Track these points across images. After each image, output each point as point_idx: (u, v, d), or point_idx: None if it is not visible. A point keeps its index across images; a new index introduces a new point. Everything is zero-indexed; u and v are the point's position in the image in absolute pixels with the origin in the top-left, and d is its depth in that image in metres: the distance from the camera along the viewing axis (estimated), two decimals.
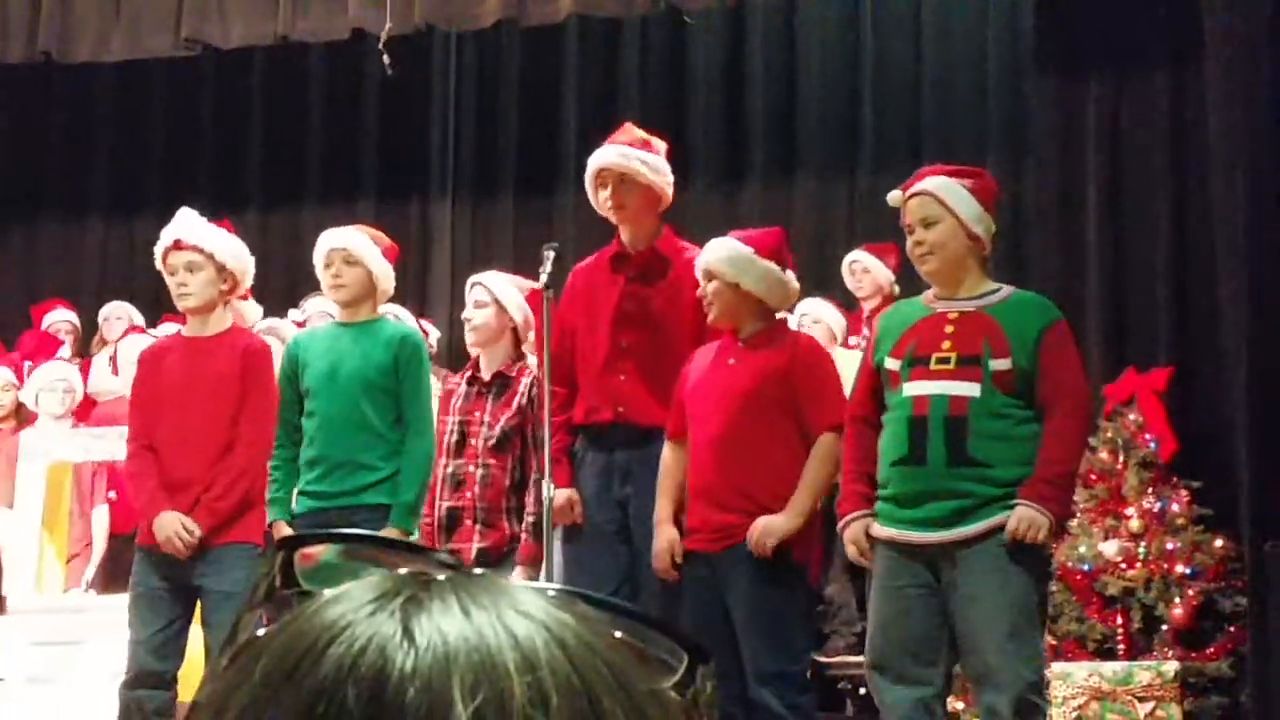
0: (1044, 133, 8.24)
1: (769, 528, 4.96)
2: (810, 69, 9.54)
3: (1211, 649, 6.64)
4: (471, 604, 0.64)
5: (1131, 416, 7.08)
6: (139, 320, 8.88)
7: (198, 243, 5.55)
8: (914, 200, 4.82)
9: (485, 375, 5.97)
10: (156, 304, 8.25)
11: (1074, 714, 6.40)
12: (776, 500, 5.01)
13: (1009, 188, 8.69)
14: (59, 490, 7.64)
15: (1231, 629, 6.66)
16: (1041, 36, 8.29)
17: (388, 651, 0.62)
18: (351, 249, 5.65)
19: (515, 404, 5.85)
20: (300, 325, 7.58)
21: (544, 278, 5.46)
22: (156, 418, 5.53)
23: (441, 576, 0.66)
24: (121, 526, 7.56)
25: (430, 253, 10.03)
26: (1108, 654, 6.67)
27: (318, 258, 5.72)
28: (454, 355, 8.26)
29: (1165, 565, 6.73)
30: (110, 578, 7.41)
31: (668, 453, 5.25)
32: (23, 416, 8.11)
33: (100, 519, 7.78)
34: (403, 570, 0.68)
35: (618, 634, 0.69)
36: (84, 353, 9.06)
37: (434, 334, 8.35)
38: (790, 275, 5.38)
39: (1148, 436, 7.02)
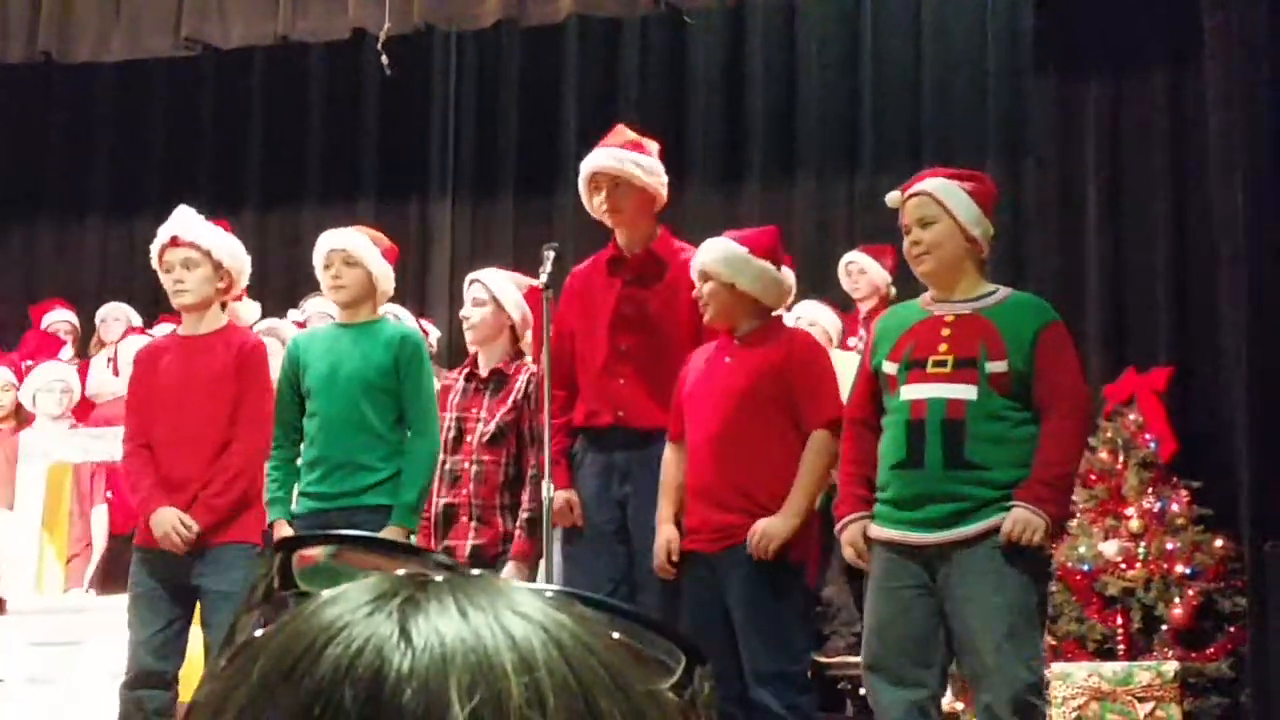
0: (1043, 132, 8.24)
1: (768, 531, 4.96)
2: (810, 69, 9.54)
3: (1211, 649, 6.64)
4: (469, 605, 0.64)
5: (1131, 416, 7.09)
6: (136, 321, 8.88)
7: (195, 240, 5.55)
8: (912, 200, 4.82)
9: (483, 372, 5.97)
10: (155, 304, 8.24)
11: (1074, 714, 6.40)
12: (775, 499, 5.01)
13: (1008, 188, 8.70)
14: (59, 491, 7.65)
15: (1231, 629, 6.66)
16: (1041, 36, 8.29)
17: (385, 652, 0.62)
18: (351, 250, 5.65)
19: (512, 400, 5.85)
20: (300, 325, 7.58)
21: (544, 277, 5.46)
22: (153, 417, 5.53)
23: (439, 577, 0.66)
24: (121, 527, 7.56)
25: (430, 252, 10.03)
26: (1107, 654, 6.67)
27: (317, 259, 5.72)
28: (454, 355, 8.26)
29: (1165, 565, 6.74)
30: (110, 578, 7.41)
31: (669, 454, 5.25)
32: (22, 417, 8.11)
33: (100, 519, 7.78)
34: (400, 571, 0.68)
35: (615, 635, 0.69)
36: (83, 354, 9.06)
37: (434, 333, 8.35)
38: (786, 274, 5.38)
39: (1148, 436, 7.02)
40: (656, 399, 5.34)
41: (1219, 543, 6.78)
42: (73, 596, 7.46)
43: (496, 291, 6.01)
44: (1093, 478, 7.00)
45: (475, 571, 0.68)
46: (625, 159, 5.55)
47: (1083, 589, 6.79)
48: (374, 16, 8.31)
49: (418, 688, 0.61)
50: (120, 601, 5.68)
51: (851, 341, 7.69)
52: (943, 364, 4.63)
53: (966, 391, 4.59)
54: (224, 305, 5.68)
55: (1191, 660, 6.56)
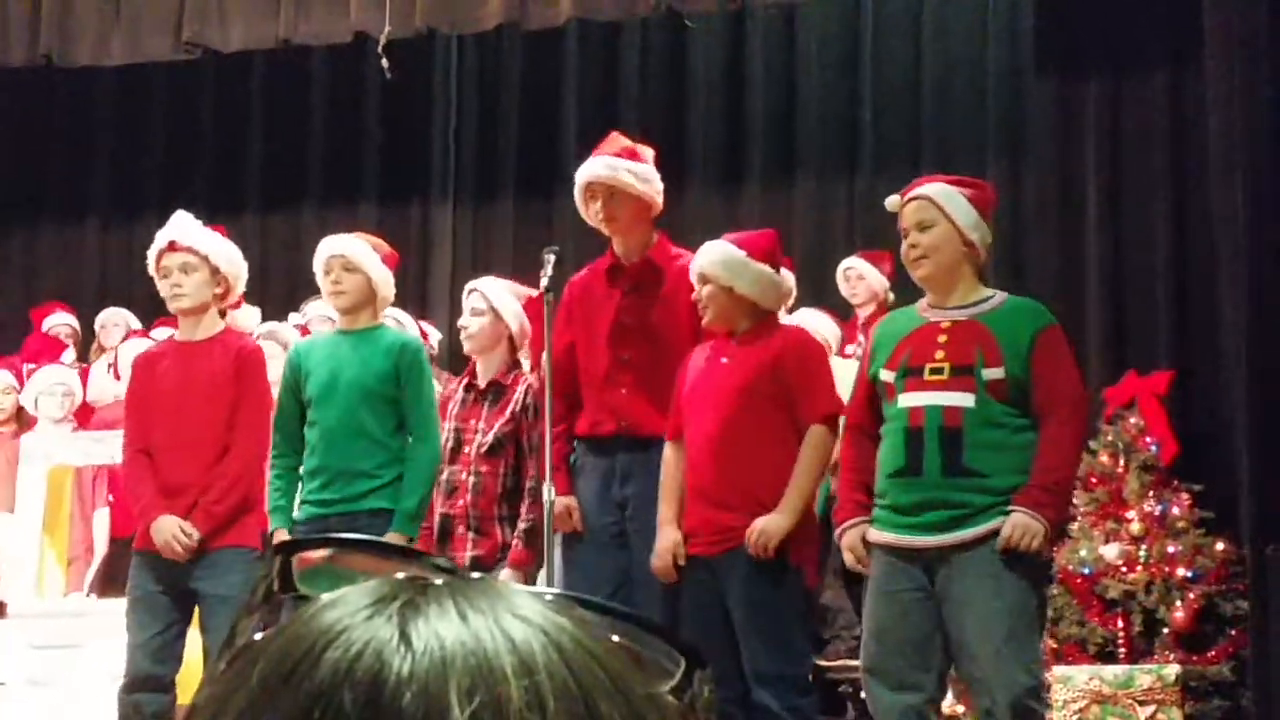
0: (1043, 133, 8.24)
1: (765, 529, 4.96)
2: (810, 71, 9.55)
3: (1212, 652, 6.64)
4: (469, 608, 0.64)
5: (1132, 420, 7.08)
6: (136, 325, 8.88)
7: (193, 244, 5.56)
8: (911, 204, 4.82)
9: (481, 383, 5.97)
10: (155, 308, 8.25)
11: (1075, 717, 6.40)
12: (775, 498, 5.02)
13: (1008, 188, 8.71)
14: (59, 494, 7.65)
15: (1232, 632, 6.66)
16: (1041, 37, 8.29)
17: (384, 656, 0.62)
18: (351, 256, 5.66)
19: (510, 411, 5.85)
20: (301, 329, 7.59)
21: (545, 281, 5.46)
22: (151, 423, 5.54)
23: (438, 581, 0.66)
24: (122, 530, 7.56)
25: (431, 256, 10.04)
26: (1109, 657, 6.67)
27: (317, 264, 5.73)
28: (455, 358, 8.25)
29: (1166, 568, 6.73)
30: (111, 581, 7.41)
31: (668, 453, 5.25)
32: (23, 420, 8.11)
33: (101, 522, 7.78)
34: (400, 575, 0.68)
35: (615, 638, 0.69)
36: (83, 357, 9.06)
37: (435, 336, 8.36)
38: (785, 277, 5.38)
39: (1148, 440, 7.02)
40: (659, 407, 5.35)
41: (1220, 546, 6.78)
42: (73, 600, 7.46)
43: (495, 301, 6.00)
44: (1094, 481, 6.99)
45: (475, 575, 0.68)
46: (619, 167, 5.54)
47: (1084, 592, 6.79)
48: (375, 20, 8.32)
49: (417, 691, 0.61)
50: (120, 605, 5.69)
51: (849, 349, 7.68)
52: (940, 371, 4.63)
53: (964, 399, 4.59)
54: (222, 313, 5.69)
55: (1193, 663, 6.56)
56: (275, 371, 5.83)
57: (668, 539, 5.17)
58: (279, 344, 7.04)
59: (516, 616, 0.64)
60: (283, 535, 5.45)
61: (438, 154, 10.14)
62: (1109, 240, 7.80)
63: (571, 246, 6.94)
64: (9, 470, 7.66)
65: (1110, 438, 7.05)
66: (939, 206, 4.77)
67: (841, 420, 5.14)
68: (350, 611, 0.64)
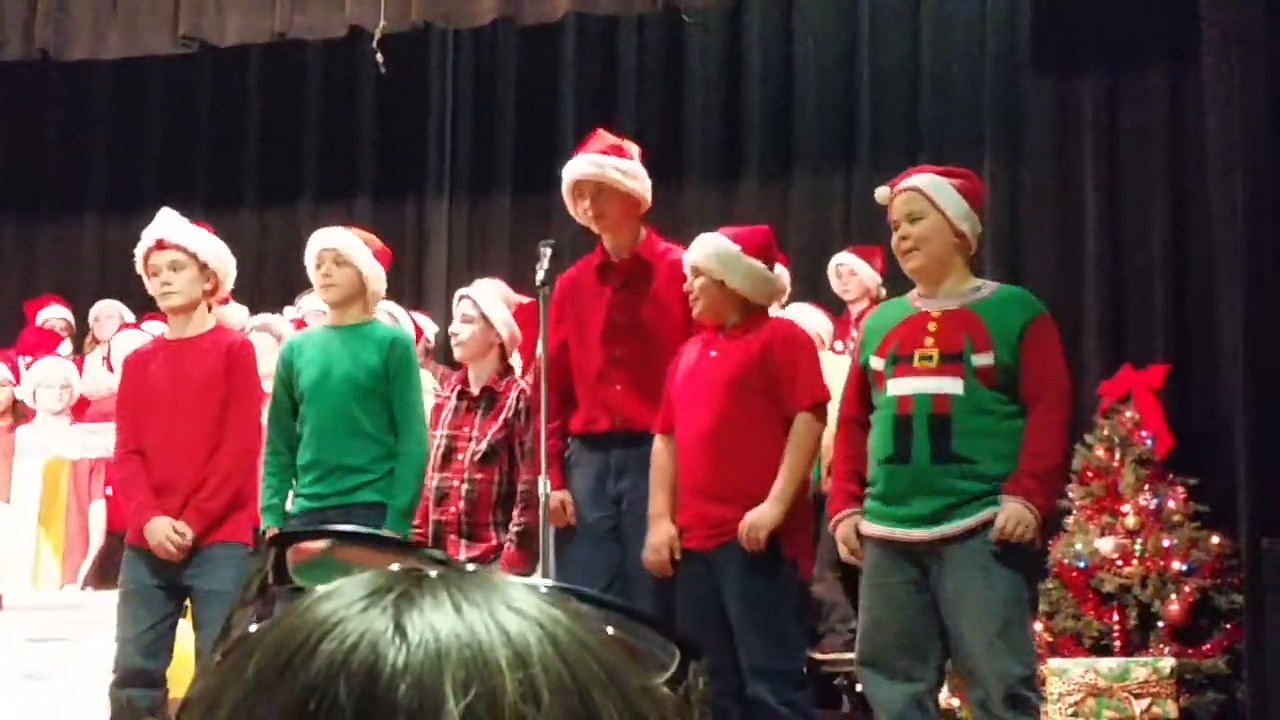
0: (1041, 130, 8.24)
1: (755, 521, 4.97)
2: (808, 67, 9.54)
3: (1208, 645, 6.64)
4: (464, 600, 0.64)
5: (1128, 414, 7.08)
6: (130, 318, 8.87)
7: (181, 242, 5.56)
8: (901, 196, 4.84)
9: (474, 390, 5.97)
10: (151, 303, 8.24)
11: (1070, 710, 6.40)
12: (767, 489, 5.02)
13: (1006, 185, 8.71)
14: (55, 486, 7.64)
15: (1227, 626, 6.66)
16: (1039, 34, 8.29)
17: (379, 647, 0.62)
18: (342, 249, 5.67)
19: (503, 418, 5.85)
20: (297, 321, 7.59)
21: (541, 275, 5.47)
22: (144, 422, 5.55)
23: (433, 573, 0.66)
24: (119, 523, 7.55)
25: (427, 251, 10.03)
26: (1104, 650, 6.67)
27: (309, 258, 5.75)
28: (450, 352, 8.26)
29: (1162, 562, 6.73)
30: (108, 574, 7.41)
31: (658, 447, 5.26)
32: (19, 413, 8.10)
33: (97, 515, 7.77)
34: (395, 567, 0.68)
35: (610, 630, 0.69)
36: (78, 350, 9.05)
37: (430, 329, 8.35)
38: (778, 274, 5.39)
39: (1144, 433, 7.02)
40: (653, 403, 5.35)
41: (1215, 539, 6.78)
42: (69, 593, 7.45)
43: (485, 309, 6.00)
44: (1089, 475, 6.99)
45: (470, 568, 0.68)
46: (606, 164, 5.54)
47: (1079, 585, 6.79)
48: (371, 14, 8.31)
49: (412, 683, 0.61)
50: (116, 598, 5.69)
51: (838, 346, 7.68)
52: (929, 359, 4.65)
53: (953, 385, 4.60)
54: (209, 307, 5.70)
55: (1188, 656, 6.56)
56: (268, 365, 5.84)
57: (662, 533, 5.17)
58: (273, 336, 7.04)
59: (511, 609, 0.65)
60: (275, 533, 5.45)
61: (433, 149, 10.13)
62: (1106, 236, 7.79)
63: (568, 241, 6.93)
64: (5, 463, 7.65)
65: (1106, 431, 7.05)
66: (929, 198, 4.78)
67: (830, 409, 5.15)
68: (345, 603, 0.64)
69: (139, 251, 5.65)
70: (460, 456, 5.85)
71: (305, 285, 6.78)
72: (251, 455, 5.57)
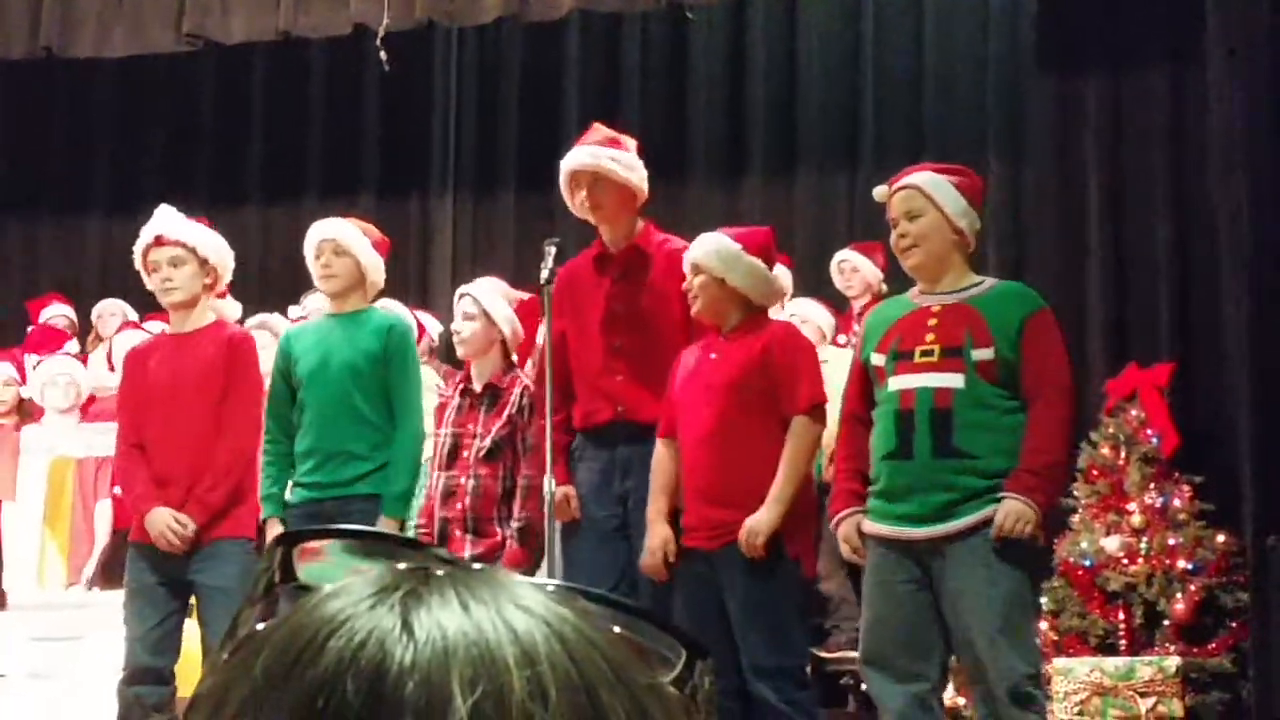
0: (1044, 129, 8.24)
1: (754, 527, 4.97)
2: (811, 64, 9.55)
3: (1213, 644, 6.64)
4: (471, 598, 0.64)
5: (1133, 412, 7.08)
6: (133, 316, 8.89)
7: (180, 238, 5.58)
8: (899, 194, 4.84)
9: (477, 386, 5.98)
10: (154, 301, 8.26)
11: (1076, 709, 6.40)
12: (768, 491, 5.02)
13: (1010, 184, 8.71)
14: (61, 486, 7.65)
15: (1233, 624, 6.66)
16: (1042, 33, 8.29)
17: (387, 645, 0.62)
18: (340, 239, 5.71)
19: (506, 414, 5.86)
20: (301, 320, 7.59)
21: (545, 273, 5.48)
22: (145, 417, 5.56)
23: (440, 572, 0.66)
24: (125, 521, 7.56)
25: (431, 248, 10.04)
26: (1109, 649, 6.67)
27: (308, 248, 5.79)
28: (454, 350, 8.27)
29: (1167, 561, 6.73)
30: (112, 573, 7.42)
31: (660, 450, 5.26)
32: (24, 412, 8.11)
33: (104, 514, 7.79)
34: (402, 565, 0.68)
35: (617, 629, 0.69)
36: (82, 349, 9.06)
37: (434, 328, 8.36)
38: (778, 274, 5.39)
39: (1149, 432, 7.02)
40: (653, 392, 5.36)
41: (1221, 538, 6.77)
42: (74, 592, 7.46)
43: (487, 306, 6.01)
44: (1095, 473, 6.99)
45: (477, 566, 0.68)
46: (602, 155, 5.57)
47: (1085, 584, 6.79)
48: (375, 12, 8.31)
49: (420, 680, 0.61)
50: (121, 597, 5.70)
51: (841, 339, 7.69)
52: (930, 354, 4.65)
53: (954, 380, 4.61)
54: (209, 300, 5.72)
55: (1193, 655, 6.56)
56: (267, 363, 5.86)
57: (657, 537, 5.18)
58: (271, 334, 7.06)
59: (519, 607, 0.65)
60: (274, 523, 5.48)
61: (438, 146, 10.14)
62: (1110, 234, 7.80)
63: (572, 238, 6.92)
64: (11, 462, 7.66)
65: (1111, 430, 7.05)
66: (927, 195, 4.79)
67: (828, 410, 5.16)
68: (353, 601, 0.64)
69: (138, 248, 5.66)
70: (465, 454, 5.85)
71: (310, 283, 6.79)
72: (253, 448, 5.59)
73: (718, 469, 5.08)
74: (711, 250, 5.24)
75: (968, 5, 9.23)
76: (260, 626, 0.67)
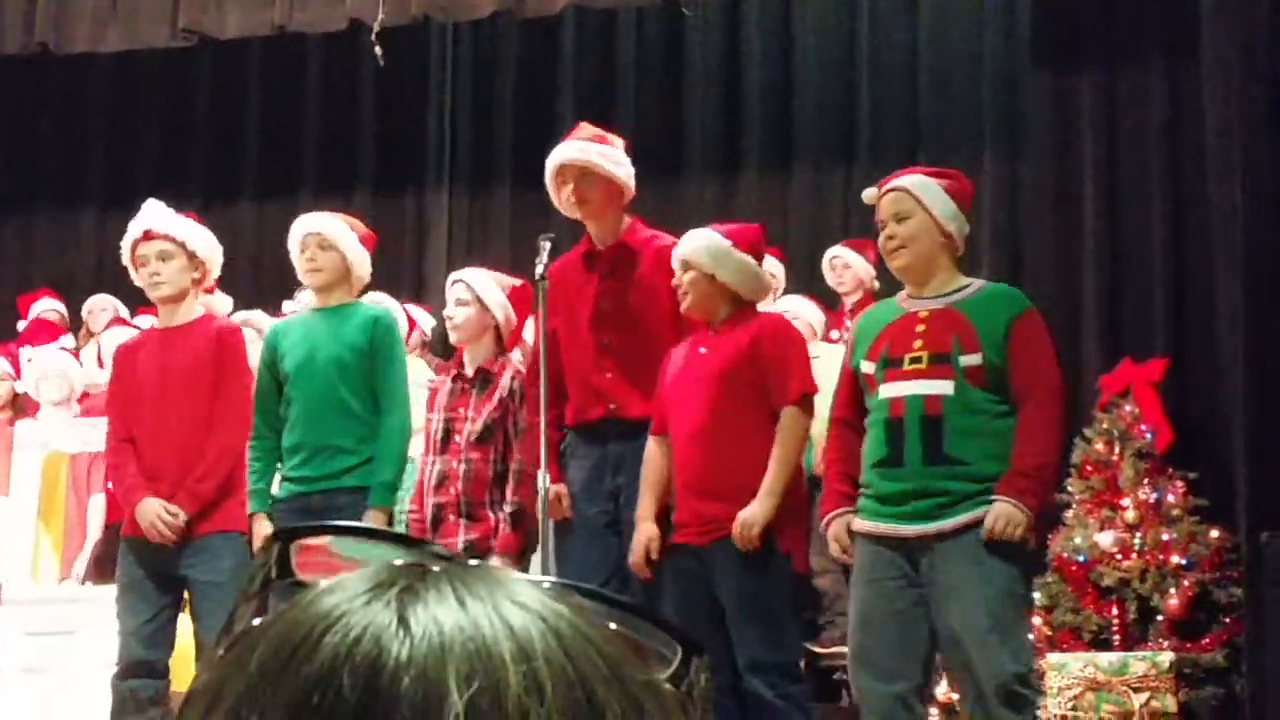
0: (1040, 126, 8.23)
1: (746, 519, 4.97)
2: (807, 60, 9.54)
3: (1207, 640, 6.64)
4: (467, 594, 0.64)
5: (1127, 408, 7.08)
6: (124, 312, 8.88)
7: (168, 231, 5.59)
8: (888, 196, 4.85)
9: (468, 371, 5.98)
10: (146, 296, 8.26)
11: (1069, 704, 6.41)
12: (759, 484, 5.02)
13: (1005, 181, 8.71)
14: (55, 481, 7.64)
15: (1226, 620, 6.66)
16: (1038, 30, 8.28)
17: (383, 641, 0.62)
18: (326, 233, 5.71)
19: (498, 398, 5.86)
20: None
21: (540, 268, 5.47)
22: (134, 411, 5.57)
23: (436, 567, 0.67)
24: (118, 516, 7.55)
25: (426, 243, 10.04)
26: (1103, 644, 6.68)
27: (293, 243, 5.78)
28: (447, 344, 8.27)
29: (1161, 556, 6.74)
30: (105, 567, 7.41)
31: (651, 447, 5.27)
32: (19, 407, 8.11)
33: (96, 508, 7.78)
34: (398, 561, 0.68)
35: (613, 626, 0.70)
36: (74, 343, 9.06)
37: (427, 322, 8.36)
38: (768, 270, 5.39)
39: (1143, 427, 7.02)
40: (644, 389, 5.36)
41: (1215, 533, 6.78)
42: (68, 587, 7.46)
43: (480, 291, 6.01)
44: (1088, 468, 7.00)
45: (473, 562, 0.68)
46: (590, 150, 5.57)
47: (1078, 579, 6.79)
48: (371, 8, 8.31)
49: (416, 676, 0.61)
50: (115, 591, 5.70)
51: (834, 335, 7.69)
52: (918, 360, 4.65)
53: (943, 386, 4.60)
54: (197, 296, 5.73)
55: (1187, 651, 6.57)
56: (252, 359, 5.86)
57: (642, 535, 5.18)
58: (255, 330, 7.05)
59: (515, 603, 0.65)
60: (261, 519, 5.48)
61: (433, 142, 10.14)
62: (1105, 230, 7.80)
63: (566, 234, 6.93)
64: (4, 457, 7.65)
65: (1105, 425, 7.06)
66: (915, 197, 4.79)
67: (819, 404, 5.16)
68: (349, 597, 0.64)
69: (125, 243, 5.67)
70: (457, 438, 5.86)
71: None
72: (243, 441, 5.59)
73: (708, 462, 5.08)
74: (701, 246, 5.24)
75: (963, 2, 9.22)
76: (256, 622, 0.67)
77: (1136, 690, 6.37)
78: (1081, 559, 6.80)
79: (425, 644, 0.62)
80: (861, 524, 4.71)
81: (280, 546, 0.73)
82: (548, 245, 5.50)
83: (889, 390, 4.67)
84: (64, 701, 6.47)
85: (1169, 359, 7.30)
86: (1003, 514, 4.49)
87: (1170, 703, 6.36)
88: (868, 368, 4.74)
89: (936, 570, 4.58)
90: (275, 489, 5.65)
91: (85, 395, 8.17)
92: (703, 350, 5.21)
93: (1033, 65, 8.35)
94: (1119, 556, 6.77)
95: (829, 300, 8.13)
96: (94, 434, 7.32)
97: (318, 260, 5.70)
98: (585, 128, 5.77)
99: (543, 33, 9.66)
